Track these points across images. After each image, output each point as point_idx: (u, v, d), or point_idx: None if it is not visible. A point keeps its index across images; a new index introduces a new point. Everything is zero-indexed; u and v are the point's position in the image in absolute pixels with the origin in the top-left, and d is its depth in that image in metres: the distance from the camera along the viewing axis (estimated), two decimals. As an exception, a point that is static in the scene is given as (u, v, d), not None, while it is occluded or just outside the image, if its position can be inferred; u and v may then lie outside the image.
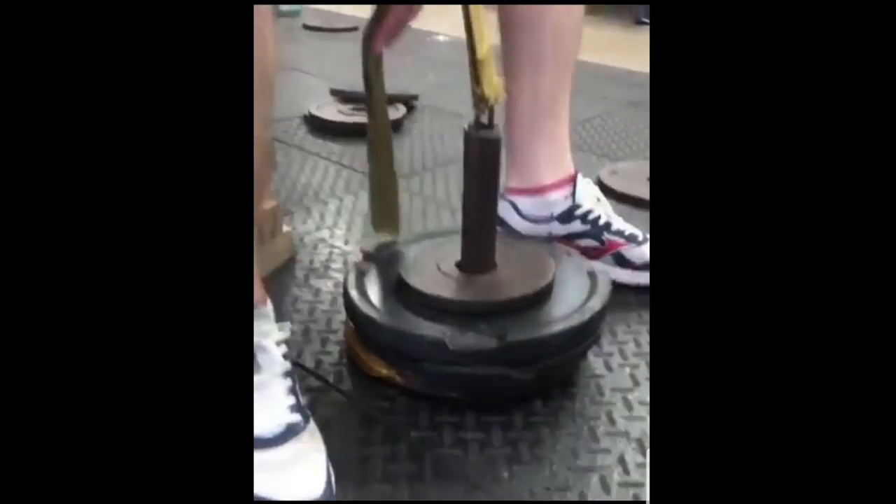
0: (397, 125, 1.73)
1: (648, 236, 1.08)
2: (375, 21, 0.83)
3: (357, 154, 1.57)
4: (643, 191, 1.43)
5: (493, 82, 0.79)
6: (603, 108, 2.02)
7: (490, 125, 0.82)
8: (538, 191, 1.06)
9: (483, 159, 0.83)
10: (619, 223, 1.08)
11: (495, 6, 1.01)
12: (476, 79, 0.79)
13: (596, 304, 0.87)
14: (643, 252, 1.06)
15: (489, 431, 0.82)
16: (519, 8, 0.99)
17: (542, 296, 0.88)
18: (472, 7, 0.77)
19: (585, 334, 0.87)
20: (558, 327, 0.84)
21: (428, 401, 0.85)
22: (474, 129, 0.82)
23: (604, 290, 0.90)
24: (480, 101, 0.81)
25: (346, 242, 1.21)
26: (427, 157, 1.61)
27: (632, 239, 1.07)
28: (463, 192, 0.86)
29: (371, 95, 0.89)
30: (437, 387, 0.83)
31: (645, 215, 1.38)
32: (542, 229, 1.07)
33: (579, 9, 1.04)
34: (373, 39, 0.83)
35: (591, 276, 0.92)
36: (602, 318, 0.89)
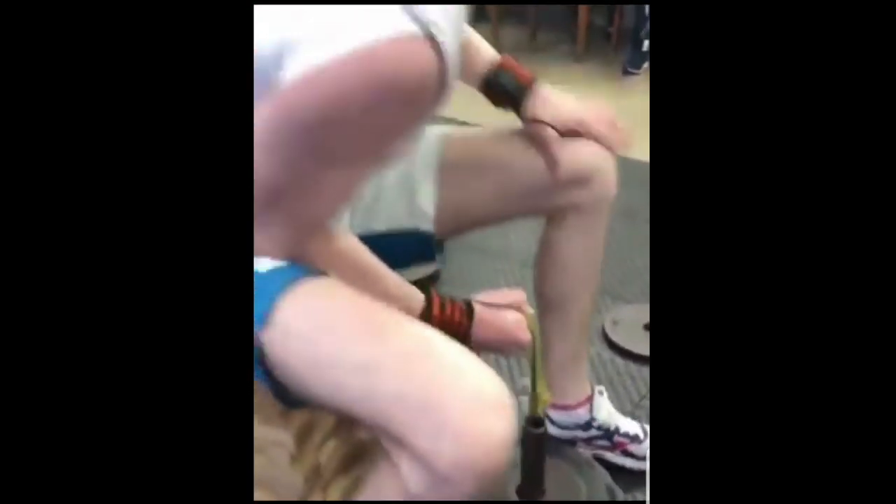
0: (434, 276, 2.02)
1: (648, 431, 1.49)
2: None
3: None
4: (643, 345, 1.81)
5: (545, 404, 1.19)
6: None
7: (541, 424, 1.23)
8: (565, 408, 1.46)
9: (537, 445, 1.24)
10: (624, 425, 1.48)
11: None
12: (533, 402, 1.19)
13: (615, 522, 1.30)
14: (643, 447, 1.47)
15: None
16: (553, 293, 1.36)
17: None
18: (538, 366, 1.16)
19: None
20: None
21: None
22: (529, 425, 1.23)
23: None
24: (533, 410, 1.20)
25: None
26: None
27: (635, 438, 1.48)
28: (521, 461, 1.27)
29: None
30: None
31: (646, 373, 1.76)
32: (568, 434, 1.48)
33: (599, 252, 1.38)
34: None
35: (610, 491, 1.34)
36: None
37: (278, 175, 0.81)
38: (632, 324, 1.91)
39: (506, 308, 1.08)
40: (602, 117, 1.19)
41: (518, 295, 1.10)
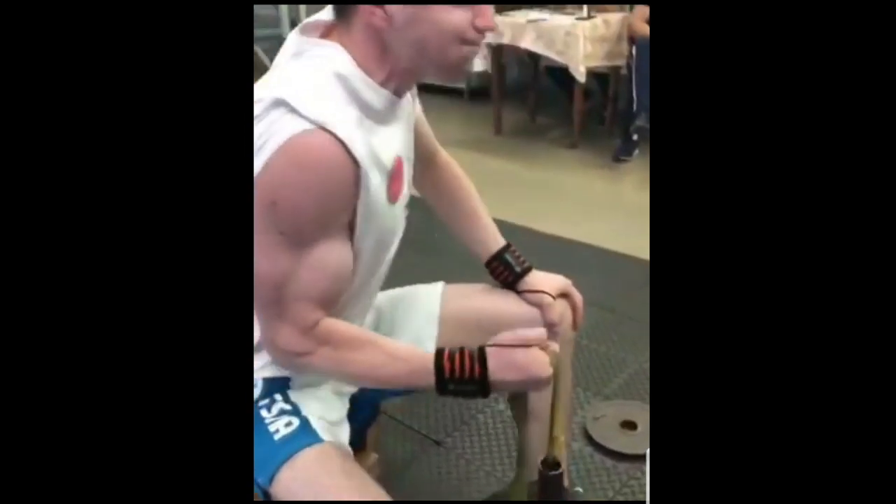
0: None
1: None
2: None
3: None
4: (621, 443, 1.95)
5: (561, 447, 1.17)
6: (588, 322, 2.36)
7: (557, 466, 1.17)
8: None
9: (553, 487, 1.19)
10: None
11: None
12: (550, 444, 1.19)
13: None
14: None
15: None
16: (531, 408, 1.52)
17: None
18: (557, 407, 1.17)
19: None
20: None
21: None
22: (546, 467, 1.17)
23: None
24: (551, 452, 1.19)
25: None
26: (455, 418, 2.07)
27: None
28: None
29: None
30: None
31: (623, 467, 1.81)
32: None
33: (565, 379, 1.47)
34: None
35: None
36: None
37: (268, 268, 1.00)
38: (610, 421, 1.92)
39: (521, 347, 1.08)
40: (577, 293, 1.49)
41: (538, 333, 1.11)
